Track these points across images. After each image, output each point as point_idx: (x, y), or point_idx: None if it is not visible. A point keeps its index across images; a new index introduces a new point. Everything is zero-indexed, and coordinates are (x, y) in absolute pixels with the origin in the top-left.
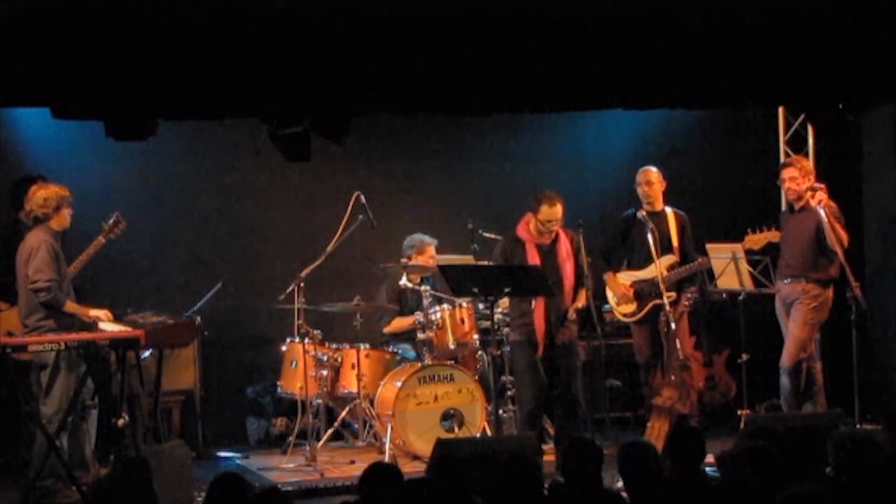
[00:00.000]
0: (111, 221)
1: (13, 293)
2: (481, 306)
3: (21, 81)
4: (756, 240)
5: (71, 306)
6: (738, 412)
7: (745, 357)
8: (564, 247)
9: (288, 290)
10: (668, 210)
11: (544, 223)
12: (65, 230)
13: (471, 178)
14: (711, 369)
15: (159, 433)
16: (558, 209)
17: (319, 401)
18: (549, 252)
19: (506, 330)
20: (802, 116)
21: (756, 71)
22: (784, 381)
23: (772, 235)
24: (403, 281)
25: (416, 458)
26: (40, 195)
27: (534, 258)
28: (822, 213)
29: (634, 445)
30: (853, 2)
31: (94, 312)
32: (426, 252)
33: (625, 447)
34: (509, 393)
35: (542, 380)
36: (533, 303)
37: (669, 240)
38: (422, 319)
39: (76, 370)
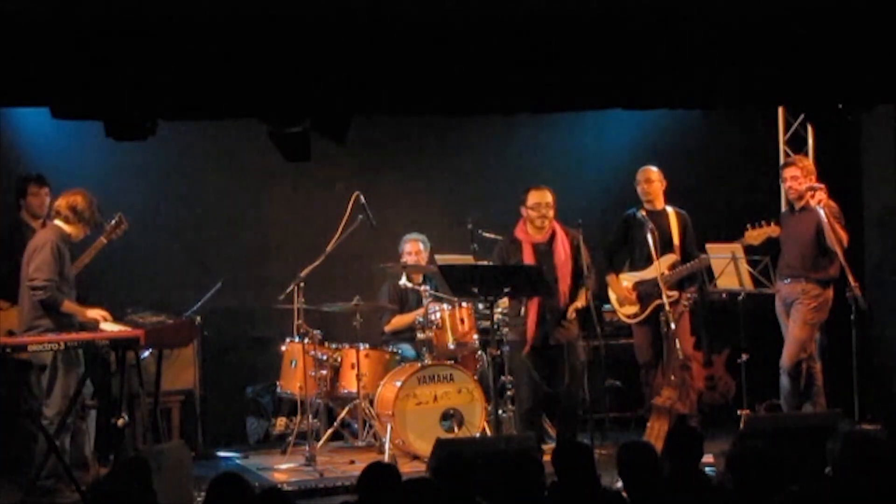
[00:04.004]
0: (113, 222)
1: (13, 292)
2: (481, 306)
3: (21, 81)
4: (755, 235)
5: (69, 306)
6: (738, 412)
7: (745, 357)
8: (563, 248)
9: (288, 290)
10: (669, 209)
11: (534, 208)
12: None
13: (471, 178)
14: (711, 369)
15: (159, 433)
16: (547, 195)
17: (319, 401)
18: (545, 252)
19: (505, 329)
20: (802, 116)
21: (756, 71)
22: (784, 381)
23: (771, 230)
24: (403, 281)
25: (415, 458)
26: (78, 200)
27: (529, 258)
28: (821, 213)
29: (634, 445)
30: (853, 2)
31: (91, 313)
32: (404, 252)
33: (624, 447)
34: (509, 393)
35: (538, 379)
36: (525, 303)
37: (670, 239)
38: (421, 319)
39: (75, 370)
